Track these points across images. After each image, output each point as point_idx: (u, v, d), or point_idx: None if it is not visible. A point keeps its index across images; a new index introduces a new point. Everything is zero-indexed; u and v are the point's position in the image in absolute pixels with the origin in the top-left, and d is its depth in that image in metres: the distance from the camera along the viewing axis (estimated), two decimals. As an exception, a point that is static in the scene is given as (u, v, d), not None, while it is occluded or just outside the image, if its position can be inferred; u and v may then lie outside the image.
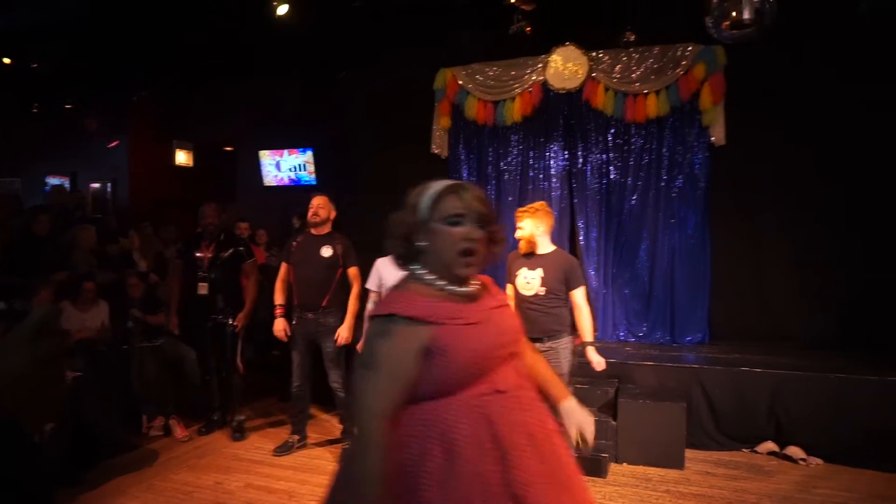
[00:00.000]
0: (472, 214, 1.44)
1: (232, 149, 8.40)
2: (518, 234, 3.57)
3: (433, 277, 1.44)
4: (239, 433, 4.56)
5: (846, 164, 5.05)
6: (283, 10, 5.57)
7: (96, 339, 4.72)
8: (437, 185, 1.49)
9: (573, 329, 3.60)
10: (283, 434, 4.54)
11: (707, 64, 5.23)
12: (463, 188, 1.48)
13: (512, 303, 3.66)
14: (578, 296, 3.54)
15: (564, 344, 3.53)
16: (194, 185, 7.89)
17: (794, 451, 4.21)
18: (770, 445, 4.31)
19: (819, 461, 4.15)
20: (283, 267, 4.33)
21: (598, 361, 3.53)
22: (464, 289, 1.46)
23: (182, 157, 8.14)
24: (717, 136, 5.27)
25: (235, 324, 4.55)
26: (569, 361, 3.54)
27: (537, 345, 3.49)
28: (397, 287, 1.49)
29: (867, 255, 5.01)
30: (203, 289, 4.51)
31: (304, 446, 4.41)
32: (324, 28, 6.14)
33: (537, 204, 3.69)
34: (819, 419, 4.21)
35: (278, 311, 4.29)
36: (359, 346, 3.93)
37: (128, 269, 5.72)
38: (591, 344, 3.54)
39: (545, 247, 3.59)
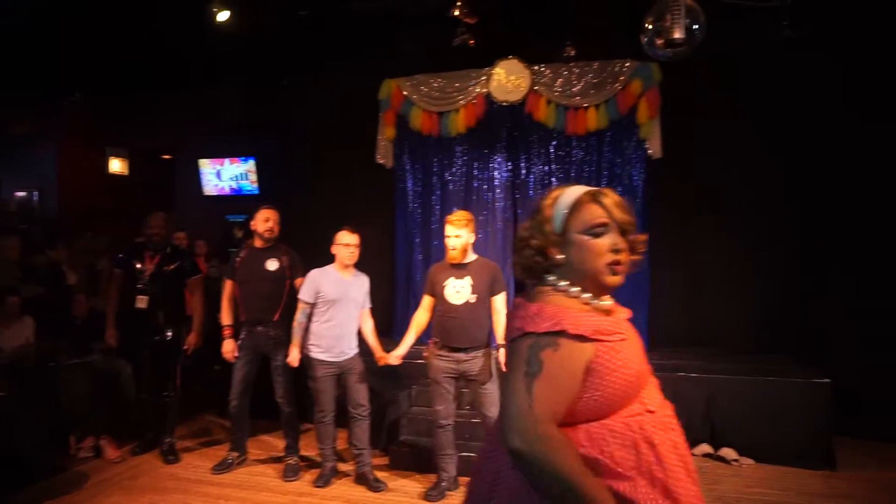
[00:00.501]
0: (615, 223, 1.38)
1: (170, 157, 8.14)
2: (456, 242, 3.60)
3: (577, 290, 1.38)
4: (172, 455, 4.36)
5: (776, 176, 5.32)
6: (223, 16, 5.45)
7: (21, 356, 4.47)
8: (572, 194, 1.41)
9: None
10: (222, 451, 4.41)
11: (643, 79, 5.41)
12: (602, 194, 1.40)
13: (426, 314, 3.71)
14: (500, 301, 3.63)
15: (489, 351, 3.65)
16: (129, 194, 7.61)
17: (727, 452, 4.39)
18: (705, 448, 4.47)
19: (750, 461, 4.33)
20: (229, 284, 4.22)
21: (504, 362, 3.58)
22: (607, 301, 1.41)
23: (116, 165, 7.83)
24: (654, 149, 5.45)
25: (186, 347, 4.39)
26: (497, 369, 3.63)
27: (460, 354, 3.54)
28: (537, 299, 1.38)
29: (795, 265, 5.28)
30: (142, 302, 4.28)
31: (244, 463, 4.29)
32: (267, 36, 6.04)
33: (467, 213, 3.76)
34: (751, 421, 4.40)
35: (227, 331, 4.17)
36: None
37: (55, 282, 5.47)
38: (503, 346, 3.57)
39: (470, 255, 3.67)
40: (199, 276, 4.60)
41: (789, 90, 5.19)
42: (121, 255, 4.50)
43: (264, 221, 4.15)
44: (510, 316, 1.40)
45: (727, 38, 5.13)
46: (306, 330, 3.92)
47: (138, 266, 4.33)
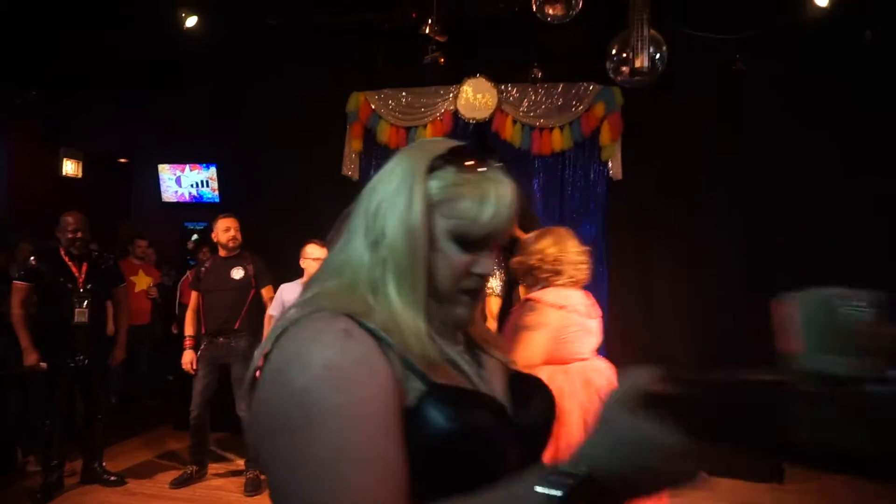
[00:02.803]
0: None
1: (127, 160, 7.94)
2: None
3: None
4: (116, 478, 4.12)
5: (732, 201, 5.56)
6: (191, 21, 5.39)
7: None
8: None
9: None
10: (180, 465, 4.31)
11: (606, 103, 5.59)
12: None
13: None
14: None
15: None
16: (83, 198, 7.37)
17: (681, 466, 4.53)
18: (660, 461, 4.60)
19: (702, 474, 4.48)
20: (194, 296, 4.15)
21: None
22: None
23: (70, 168, 7.58)
24: (615, 171, 5.63)
25: (111, 362, 4.09)
26: None
27: None
28: None
29: (748, 289, 5.51)
30: (83, 316, 3.86)
31: (203, 477, 4.20)
32: (235, 43, 5.99)
33: None
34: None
35: (188, 342, 4.07)
36: None
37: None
38: None
39: None
40: (125, 285, 4.33)
41: (743, 117, 5.46)
42: (31, 264, 3.89)
43: (225, 231, 4.10)
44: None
45: (685, 67, 5.40)
46: None
47: (62, 275, 3.86)
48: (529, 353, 2.20)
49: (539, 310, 2.31)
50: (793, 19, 4.80)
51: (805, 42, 5.04)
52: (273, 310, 3.92)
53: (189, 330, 4.11)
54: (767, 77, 5.35)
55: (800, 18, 4.78)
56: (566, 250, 2.46)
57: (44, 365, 3.83)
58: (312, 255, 3.92)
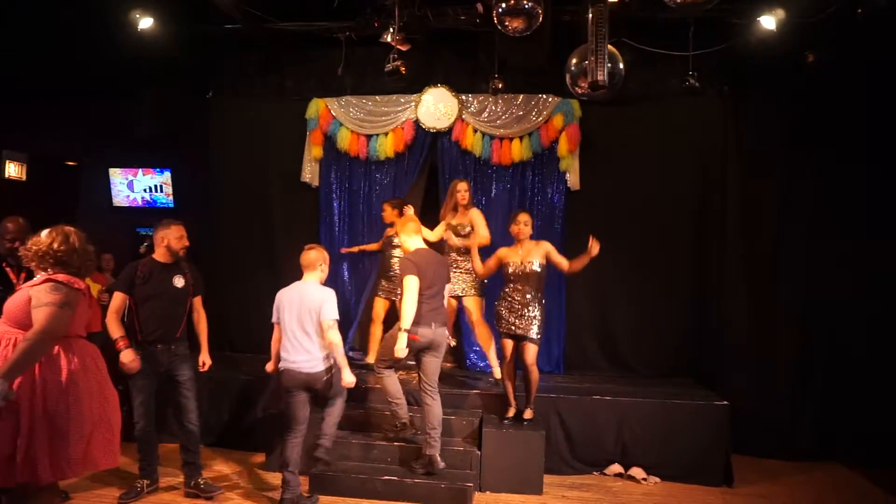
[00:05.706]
0: None
1: (75, 164, 7.65)
2: None
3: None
4: (62, 493, 3.78)
5: (683, 210, 5.73)
6: (146, 23, 5.27)
7: None
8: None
9: None
10: (129, 479, 4.16)
11: (565, 115, 5.69)
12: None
13: None
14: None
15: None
16: (27, 201, 7.06)
17: (637, 471, 4.63)
18: (616, 468, 4.69)
19: (657, 479, 4.59)
20: (122, 298, 3.89)
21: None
22: None
23: (13, 170, 7.26)
24: (573, 181, 5.73)
25: None
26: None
27: None
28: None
29: (699, 294, 5.68)
30: None
31: (155, 490, 4.06)
32: (194, 46, 5.88)
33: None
34: (657, 441, 4.67)
35: (123, 342, 3.77)
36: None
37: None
38: None
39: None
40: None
41: (694, 130, 5.66)
42: None
43: (179, 239, 3.97)
44: None
45: (641, 82, 5.58)
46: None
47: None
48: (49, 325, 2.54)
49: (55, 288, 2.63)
50: (742, 40, 5.03)
51: (752, 61, 5.27)
52: (337, 313, 3.81)
53: (118, 331, 3.81)
54: (718, 93, 5.59)
55: (748, 39, 5.01)
56: (51, 243, 2.75)
57: None
58: (328, 261, 4.05)
